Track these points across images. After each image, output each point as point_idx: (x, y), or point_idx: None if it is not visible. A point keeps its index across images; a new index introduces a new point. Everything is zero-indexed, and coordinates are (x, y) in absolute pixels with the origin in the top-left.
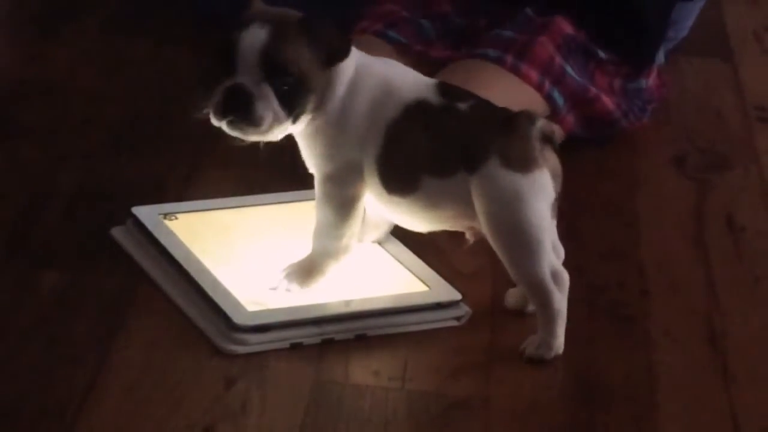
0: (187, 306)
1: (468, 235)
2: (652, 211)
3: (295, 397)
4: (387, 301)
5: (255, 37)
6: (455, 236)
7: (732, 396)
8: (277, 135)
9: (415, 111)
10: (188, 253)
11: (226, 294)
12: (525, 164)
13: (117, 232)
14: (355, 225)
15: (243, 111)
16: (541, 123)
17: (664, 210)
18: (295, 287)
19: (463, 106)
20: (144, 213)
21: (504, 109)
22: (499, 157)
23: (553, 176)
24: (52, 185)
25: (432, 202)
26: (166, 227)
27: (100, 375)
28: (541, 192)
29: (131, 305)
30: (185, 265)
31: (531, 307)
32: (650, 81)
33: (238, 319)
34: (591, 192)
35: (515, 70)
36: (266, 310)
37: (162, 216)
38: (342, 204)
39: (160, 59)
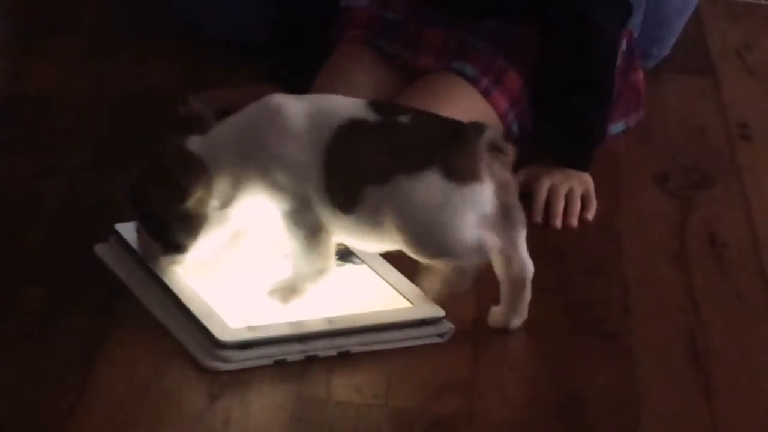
0: (171, 323)
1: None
2: (635, 229)
3: (278, 414)
4: (370, 317)
5: (132, 179)
6: None
7: (714, 412)
8: (175, 262)
9: (350, 129)
10: (171, 270)
11: (210, 311)
12: (465, 176)
13: (100, 249)
14: (325, 250)
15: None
16: (489, 134)
17: (647, 227)
18: (276, 304)
19: (404, 119)
20: (127, 230)
21: (453, 120)
22: (442, 166)
23: (501, 187)
24: (35, 201)
25: (374, 210)
26: None
27: (84, 392)
28: (470, 206)
29: (115, 322)
30: (168, 282)
31: (514, 323)
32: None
33: (221, 336)
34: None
35: (486, 94)
36: (249, 326)
37: None
38: (307, 234)
39: (144, 74)
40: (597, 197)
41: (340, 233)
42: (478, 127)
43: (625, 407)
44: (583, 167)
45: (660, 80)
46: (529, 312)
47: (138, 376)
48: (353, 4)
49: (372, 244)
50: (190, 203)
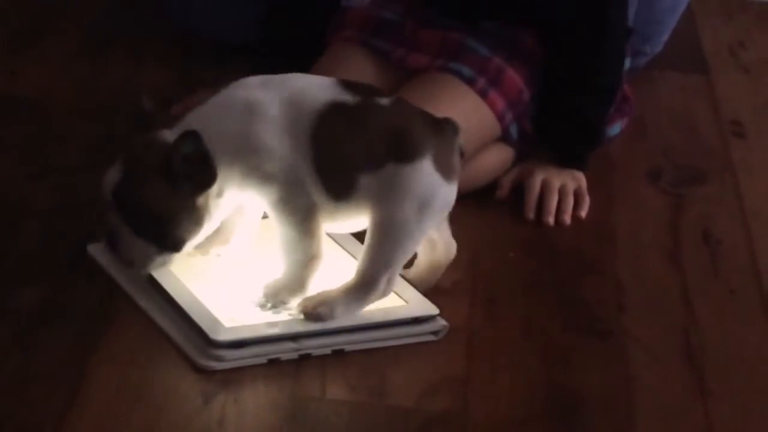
0: (165, 322)
1: None
2: (629, 226)
3: (273, 413)
4: (364, 316)
5: (109, 178)
6: None
7: (708, 410)
8: (165, 263)
9: (332, 113)
10: (165, 270)
11: (203, 310)
12: (450, 172)
13: (94, 249)
14: (318, 234)
15: (115, 252)
16: (460, 135)
17: (640, 225)
18: (280, 304)
19: (383, 101)
20: None
21: (427, 112)
22: (433, 157)
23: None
24: (29, 202)
25: (370, 197)
26: None
27: (78, 392)
28: (447, 206)
29: (109, 322)
30: (162, 282)
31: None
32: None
33: (215, 335)
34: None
35: (483, 95)
36: (243, 325)
37: None
38: (301, 220)
39: (137, 75)
40: (590, 195)
41: (328, 218)
42: (455, 126)
43: (619, 405)
44: (582, 168)
45: (653, 78)
46: (523, 310)
47: (132, 375)
48: (350, 4)
49: (349, 227)
50: (203, 197)
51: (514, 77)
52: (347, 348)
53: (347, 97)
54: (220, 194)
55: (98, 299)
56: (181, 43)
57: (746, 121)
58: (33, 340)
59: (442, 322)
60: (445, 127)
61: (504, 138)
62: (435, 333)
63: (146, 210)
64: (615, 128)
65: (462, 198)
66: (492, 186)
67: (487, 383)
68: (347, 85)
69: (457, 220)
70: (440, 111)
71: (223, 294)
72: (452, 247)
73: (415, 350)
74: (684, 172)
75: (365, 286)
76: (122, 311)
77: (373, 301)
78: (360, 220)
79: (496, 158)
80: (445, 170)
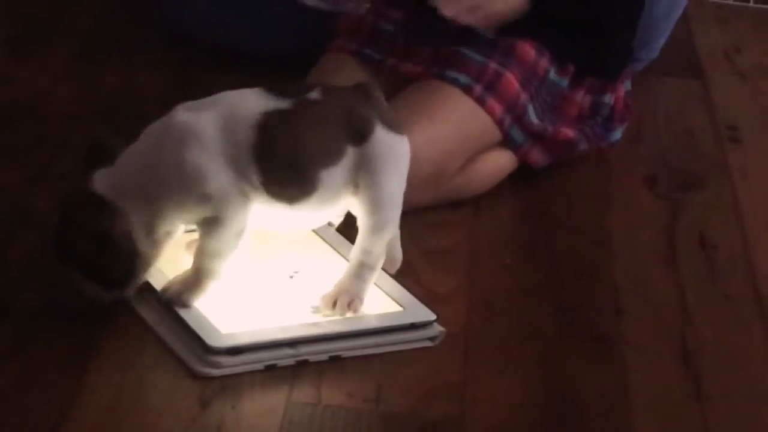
0: (162, 329)
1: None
2: (625, 231)
3: (270, 419)
4: (361, 322)
5: (53, 231)
6: (429, 256)
7: (705, 414)
8: (123, 296)
9: (270, 122)
10: (162, 276)
11: (200, 317)
12: (396, 125)
13: None
14: (239, 246)
15: (76, 287)
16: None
17: (636, 229)
18: (181, 302)
19: (314, 95)
20: None
21: (350, 87)
22: (381, 121)
23: None
24: (27, 207)
25: (333, 190)
26: None
27: (76, 398)
28: (407, 156)
29: (106, 328)
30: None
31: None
32: (613, 98)
33: (212, 342)
34: (564, 211)
35: (481, 102)
36: (240, 332)
37: None
38: (236, 235)
39: (134, 80)
40: (587, 199)
41: (281, 221)
42: (370, 83)
43: (616, 410)
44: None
45: (649, 83)
46: (520, 315)
47: (129, 382)
48: (346, 12)
49: (310, 223)
50: (118, 242)
51: (510, 80)
52: (344, 354)
53: (279, 104)
54: (149, 234)
55: (96, 305)
56: (177, 48)
57: (742, 126)
58: (31, 345)
59: (439, 328)
60: (368, 90)
61: (504, 142)
62: (432, 339)
63: (80, 260)
64: (616, 134)
65: (460, 203)
66: (490, 190)
67: (485, 389)
68: (275, 90)
69: (454, 225)
70: (437, 119)
71: (220, 300)
72: None
73: (412, 356)
74: (680, 176)
75: (370, 262)
76: (119, 317)
77: (380, 266)
78: (322, 214)
79: (497, 163)
80: (393, 127)
